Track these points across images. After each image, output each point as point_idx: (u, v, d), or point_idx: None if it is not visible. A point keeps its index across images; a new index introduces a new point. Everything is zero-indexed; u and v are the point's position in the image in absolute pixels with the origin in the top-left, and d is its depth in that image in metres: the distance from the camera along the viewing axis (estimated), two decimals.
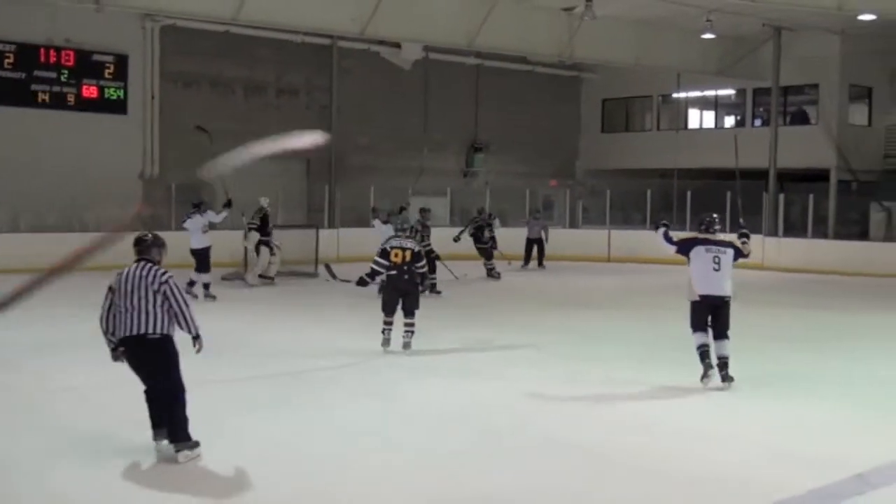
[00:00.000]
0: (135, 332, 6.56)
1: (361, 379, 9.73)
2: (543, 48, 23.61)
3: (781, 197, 24.19)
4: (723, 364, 9.23)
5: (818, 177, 25.80)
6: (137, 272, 6.67)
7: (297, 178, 25.00)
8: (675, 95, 29.88)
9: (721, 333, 9.31)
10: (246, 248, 18.05)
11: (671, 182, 27.71)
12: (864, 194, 26.13)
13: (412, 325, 10.92)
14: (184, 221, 16.00)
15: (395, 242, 11.13)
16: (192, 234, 15.59)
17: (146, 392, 6.74)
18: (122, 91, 22.36)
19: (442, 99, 27.75)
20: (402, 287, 10.96)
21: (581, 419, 8.16)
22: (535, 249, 21.77)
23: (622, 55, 24.65)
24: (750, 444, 7.36)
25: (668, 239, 9.83)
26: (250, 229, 17.72)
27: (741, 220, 10.75)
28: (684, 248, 9.62)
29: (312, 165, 25.53)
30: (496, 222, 20.06)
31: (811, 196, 23.61)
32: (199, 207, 15.84)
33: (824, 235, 24.15)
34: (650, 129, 31.10)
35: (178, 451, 6.60)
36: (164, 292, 6.60)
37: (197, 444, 6.67)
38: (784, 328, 13.64)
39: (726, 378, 9.17)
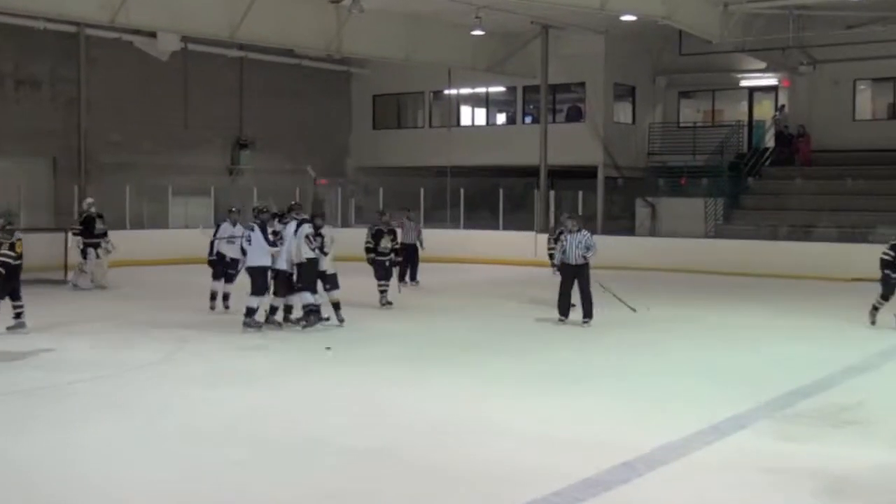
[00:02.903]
0: None
1: (114, 392, 9.41)
2: (310, 41, 23.61)
3: (552, 193, 25.36)
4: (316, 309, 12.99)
5: (587, 173, 27.24)
6: None
7: (42, 176, 23.75)
8: (446, 92, 30.64)
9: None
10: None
11: (445, 180, 28.41)
12: (630, 190, 27.83)
13: (21, 306, 12.62)
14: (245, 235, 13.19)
15: (19, 235, 12.77)
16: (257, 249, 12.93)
17: None
18: None
19: (204, 93, 27.13)
20: (19, 273, 12.58)
21: (356, 420, 8.26)
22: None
23: (392, 50, 25.02)
24: (525, 438, 7.72)
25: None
26: (73, 233, 18.10)
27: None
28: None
29: (59, 163, 24.32)
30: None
31: (580, 192, 24.88)
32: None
33: (593, 231, 25.42)
34: (422, 125, 31.75)
35: None
36: None
37: None
38: (556, 323, 14.29)
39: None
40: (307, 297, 13.07)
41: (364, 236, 16.38)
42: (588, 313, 13.78)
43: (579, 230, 13.96)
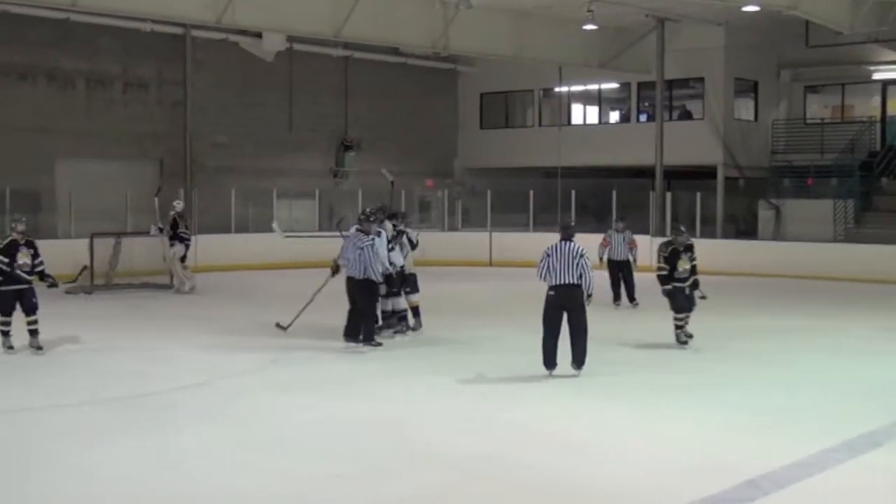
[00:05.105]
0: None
1: (211, 399, 9.64)
2: (416, 39, 23.76)
3: (668, 195, 24.98)
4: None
5: (705, 174, 26.74)
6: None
7: (149, 180, 24.43)
8: (557, 89, 30.44)
9: None
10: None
11: (555, 181, 28.25)
12: (752, 192, 27.21)
13: (35, 321, 11.56)
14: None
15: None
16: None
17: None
18: None
19: (308, 93, 27.58)
20: (24, 283, 11.56)
21: (463, 434, 8.25)
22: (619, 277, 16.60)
23: (500, 47, 24.98)
24: (642, 455, 7.61)
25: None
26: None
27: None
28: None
29: (166, 166, 25.04)
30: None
31: (698, 194, 24.43)
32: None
33: (712, 235, 25.03)
34: (532, 125, 31.64)
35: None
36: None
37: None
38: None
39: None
40: (401, 303, 13.24)
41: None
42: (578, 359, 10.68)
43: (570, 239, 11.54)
